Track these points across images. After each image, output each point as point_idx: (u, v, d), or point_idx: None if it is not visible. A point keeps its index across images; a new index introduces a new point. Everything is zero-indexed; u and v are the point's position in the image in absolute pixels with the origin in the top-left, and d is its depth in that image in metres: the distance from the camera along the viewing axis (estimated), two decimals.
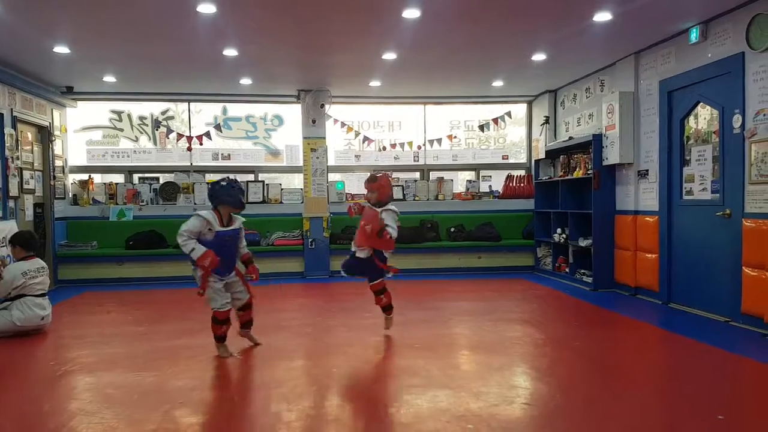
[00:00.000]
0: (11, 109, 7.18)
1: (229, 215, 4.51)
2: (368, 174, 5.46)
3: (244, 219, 4.63)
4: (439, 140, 9.73)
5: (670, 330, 5.31)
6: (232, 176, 4.78)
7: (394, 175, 9.75)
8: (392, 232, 4.90)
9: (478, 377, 3.97)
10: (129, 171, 9.40)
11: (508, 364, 4.31)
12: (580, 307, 6.47)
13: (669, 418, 3.17)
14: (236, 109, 9.57)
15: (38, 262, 5.45)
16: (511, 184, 9.73)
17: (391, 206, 5.03)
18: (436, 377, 3.92)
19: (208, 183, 9.14)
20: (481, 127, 9.80)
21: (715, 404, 3.39)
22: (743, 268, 5.20)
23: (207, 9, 5.18)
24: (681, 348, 4.71)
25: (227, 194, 4.44)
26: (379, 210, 4.97)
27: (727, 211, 5.47)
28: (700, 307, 5.94)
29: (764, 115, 4.99)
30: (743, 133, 5.23)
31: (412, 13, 5.39)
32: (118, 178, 9.30)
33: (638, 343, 5.11)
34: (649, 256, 6.65)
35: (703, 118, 5.96)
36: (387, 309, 5.13)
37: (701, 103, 5.95)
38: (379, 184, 5.10)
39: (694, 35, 5.82)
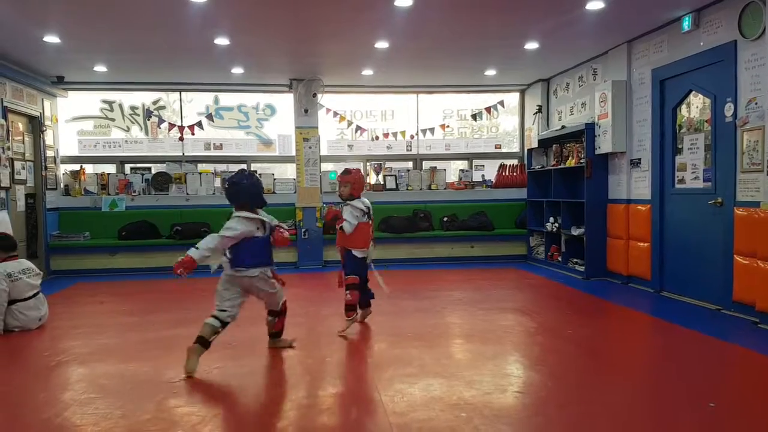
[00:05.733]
0: (1, 99, 7.13)
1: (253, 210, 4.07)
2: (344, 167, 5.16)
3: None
4: (432, 129, 9.72)
5: (662, 318, 5.35)
6: (243, 168, 4.22)
7: (387, 164, 9.75)
8: (345, 225, 4.80)
9: (471, 366, 3.99)
10: (121, 161, 9.36)
11: (501, 353, 4.34)
12: (572, 296, 6.50)
13: (660, 406, 3.19)
14: (228, 99, 9.52)
15: (23, 263, 5.26)
16: (503, 174, 9.74)
17: (355, 202, 4.88)
18: (430, 366, 3.93)
19: (200, 173, 9.14)
20: (474, 117, 9.80)
21: (707, 392, 3.42)
22: (735, 256, 5.23)
23: None
24: (673, 336, 4.74)
25: (251, 192, 4.02)
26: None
27: (719, 200, 5.49)
28: (692, 296, 5.98)
29: (756, 103, 5.01)
30: (735, 121, 5.25)
31: (404, 2, 5.37)
32: (110, 169, 9.25)
33: (630, 331, 5.14)
34: (642, 244, 6.68)
35: (696, 106, 5.98)
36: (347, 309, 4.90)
37: (693, 92, 5.96)
38: (351, 177, 4.96)
39: (686, 23, 5.82)
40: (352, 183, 4.91)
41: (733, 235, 5.25)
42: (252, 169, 9.41)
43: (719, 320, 5.19)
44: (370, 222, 4.98)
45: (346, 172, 5.01)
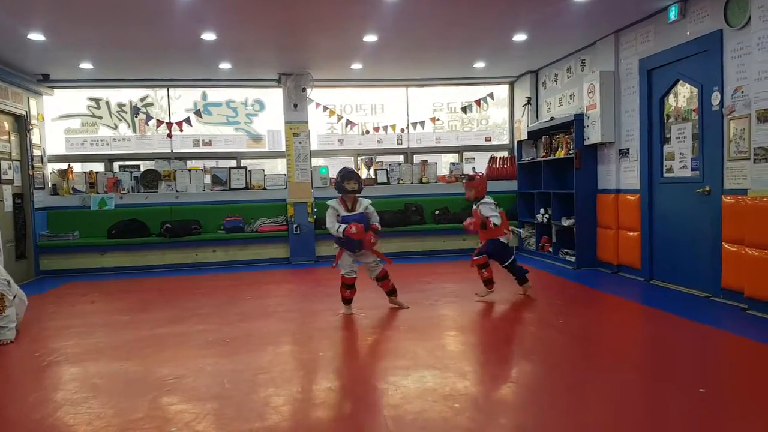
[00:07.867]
0: None
1: (353, 200, 5.15)
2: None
3: (370, 201, 5.22)
4: (422, 123, 9.73)
5: (652, 306, 5.39)
6: (348, 167, 5.38)
7: (378, 158, 9.74)
8: (494, 220, 5.58)
9: (463, 357, 4.01)
10: (109, 159, 9.29)
11: (493, 344, 4.36)
12: (563, 286, 6.54)
13: (651, 393, 3.22)
14: (216, 95, 9.47)
15: (2, 273, 4.90)
16: (494, 166, 9.76)
17: (485, 199, 5.69)
18: (423, 358, 3.95)
19: (189, 170, 9.10)
20: (464, 109, 9.80)
21: (697, 378, 3.45)
22: (723, 243, 5.28)
23: None
24: (663, 324, 4.78)
25: (336, 185, 5.13)
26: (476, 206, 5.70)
27: (707, 188, 5.53)
28: (682, 284, 6.03)
29: (742, 92, 5.04)
30: (722, 110, 5.28)
31: None
32: (98, 167, 9.19)
33: (621, 319, 5.18)
34: (631, 234, 6.72)
35: (683, 96, 6.01)
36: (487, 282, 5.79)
37: (681, 81, 5.99)
38: (476, 183, 5.73)
39: (673, 13, 5.85)
40: (476, 188, 5.71)
41: (721, 223, 5.29)
42: (241, 165, 9.39)
43: (708, 307, 5.24)
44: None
45: (470, 178, 5.84)
